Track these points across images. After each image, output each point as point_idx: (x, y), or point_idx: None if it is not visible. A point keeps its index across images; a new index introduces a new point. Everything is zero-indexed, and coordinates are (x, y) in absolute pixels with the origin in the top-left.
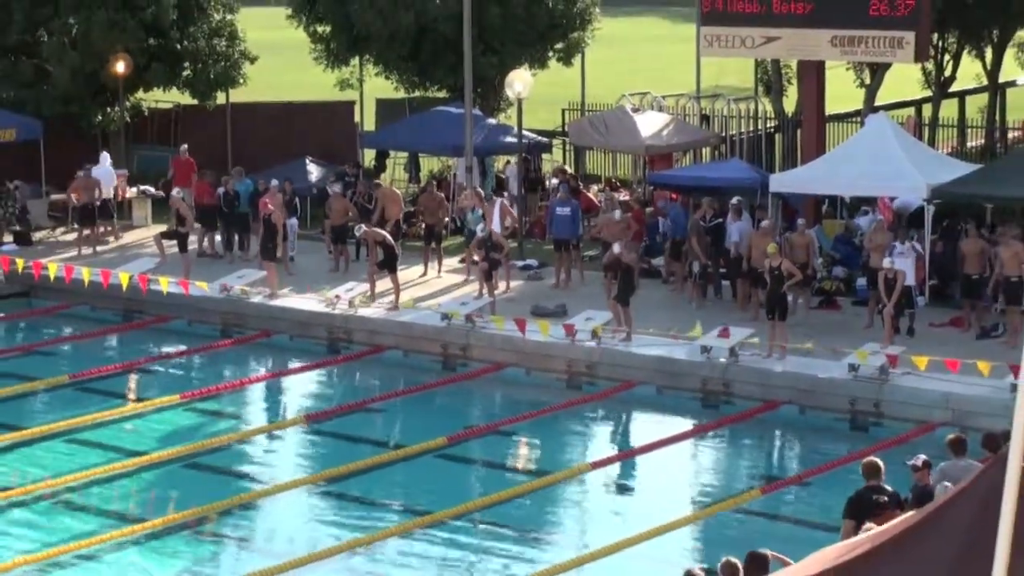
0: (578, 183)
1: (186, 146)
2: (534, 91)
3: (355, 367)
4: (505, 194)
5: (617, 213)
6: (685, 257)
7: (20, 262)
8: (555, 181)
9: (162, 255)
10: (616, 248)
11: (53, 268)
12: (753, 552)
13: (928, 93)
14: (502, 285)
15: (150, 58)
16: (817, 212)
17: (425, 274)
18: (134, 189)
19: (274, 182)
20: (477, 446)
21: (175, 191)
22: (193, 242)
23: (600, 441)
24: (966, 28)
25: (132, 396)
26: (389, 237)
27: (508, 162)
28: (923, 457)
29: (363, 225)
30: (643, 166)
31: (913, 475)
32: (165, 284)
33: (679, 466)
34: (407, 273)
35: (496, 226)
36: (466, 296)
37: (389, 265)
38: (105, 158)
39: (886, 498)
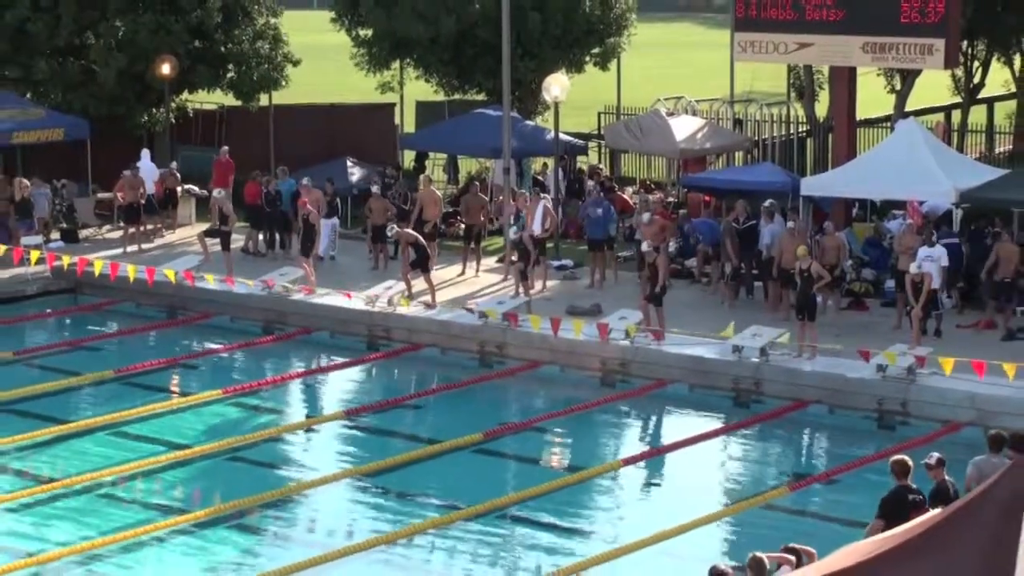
0: (612, 183)
1: (227, 148)
2: (571, 95)
3: (394, 364)
4: (546, 196)
5: (646, 216)
6: (718, 258)
7: (67, 258)
8: (590, 183)
9: (205, 253)
10: (644, 246)
11: (99, 265)
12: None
13: (957, 99)
14: (538, 284)
15: (195, 60)
16: (847, 215)
17: (463, 273)
18: (180, 188)
19: (305, 180)
20: (512, 442)
21: (216, 191)
22: (237, 240)
23: (632, 438)
24: (995, 36)
25: (175, 391)
26: (421, 238)
27: (545, 164)
28: (937, 455)
29: (395, 226)
30: (677, 169)
31: (928, 473)
32: (211, 280)
33: (709, 463)
34: (445, 272)
35: (537, 226)
36: (503, 295)
37: (421, 265)
38: (145, 155)
39: (921, 497)
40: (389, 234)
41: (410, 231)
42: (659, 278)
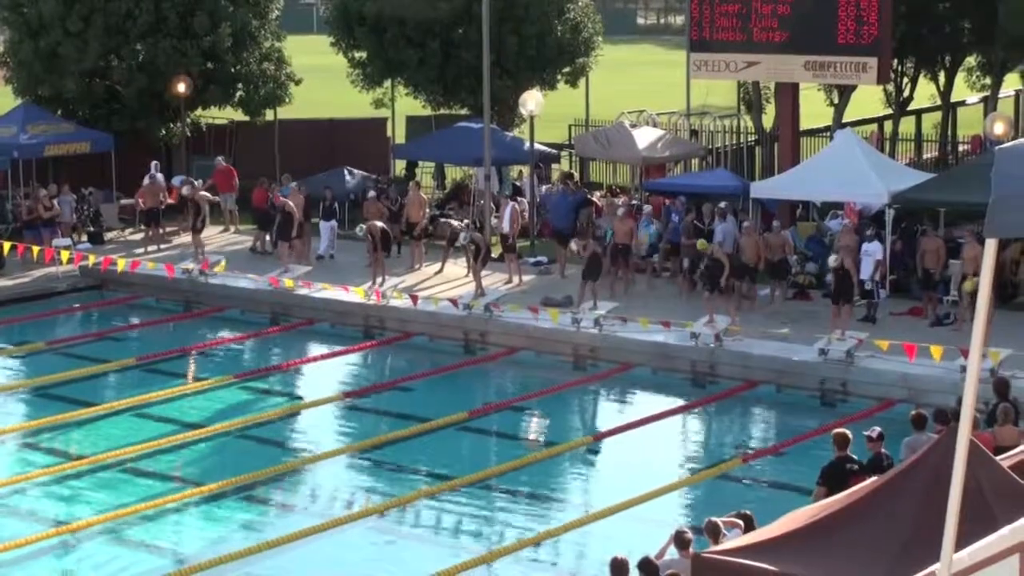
0: (577, 185)
1: (221, 157)
2: (544, 109)
3: (387, 351)
4: (518, 199)
5: (620, 211)
6: (678, 254)
7: (92, 257)
8: (560, 187)
9: (200, 248)
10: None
11: (121, 263)
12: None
13: (889, 111)
14: (515, 279)
15: (208, 80)
16: (792, 215)
17: (441, 271)
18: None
19: (293, 184)
20: (494, 420)
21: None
22: (246, 240)
23: (601, 416)
24: (922, 55)
25: (191, 376)
26: (387, 228)
27: (521, 171)
28: (878, 429)
29: (363, 224)
30: (640, 175)
31: (868, 444)
32: (222, 269)
33: (670, 438)
34: (431, 268)
35: (506, 225)
36: (488, 288)
37: (385, 248)
38: (155, 167)
39: (857, 466)
40: (359, 233)
41: (376, 223)
42: (595, 256)
